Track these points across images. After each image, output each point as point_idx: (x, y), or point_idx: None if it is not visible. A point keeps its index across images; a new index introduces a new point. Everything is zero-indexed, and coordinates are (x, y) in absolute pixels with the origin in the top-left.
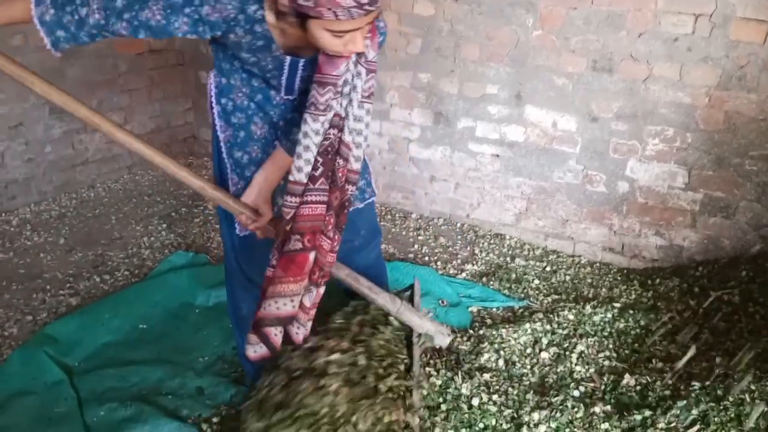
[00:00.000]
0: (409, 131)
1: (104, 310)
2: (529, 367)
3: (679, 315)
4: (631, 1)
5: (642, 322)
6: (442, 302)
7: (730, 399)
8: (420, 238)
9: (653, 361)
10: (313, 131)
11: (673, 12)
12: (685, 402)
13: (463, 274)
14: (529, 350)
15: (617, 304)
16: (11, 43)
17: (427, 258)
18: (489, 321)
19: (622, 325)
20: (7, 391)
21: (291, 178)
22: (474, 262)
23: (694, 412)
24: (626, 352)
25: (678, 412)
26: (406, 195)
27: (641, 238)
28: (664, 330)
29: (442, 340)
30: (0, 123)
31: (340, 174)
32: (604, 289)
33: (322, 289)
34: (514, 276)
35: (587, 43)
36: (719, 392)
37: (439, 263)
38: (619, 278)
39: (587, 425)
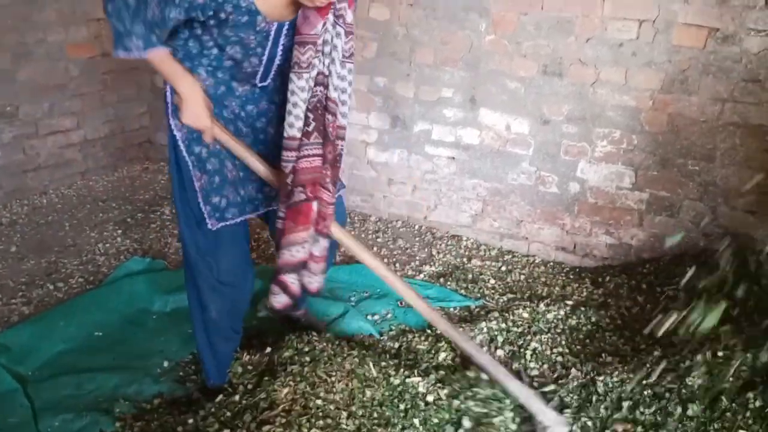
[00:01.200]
0: (367, 134)
1: (58, 318)
2: None
3: (627, 311)
4: (580, 7)
5: (593, 319)
6: (400, 303)
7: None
8: (379, 240)
9: (603, 355)
10: (299, 88)
11: (619, 18)
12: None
13: (421, 275)
14: (484, 348)
15: (569, 302)
16: None
17: (386, 260)
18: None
19: (574, 322)
20: None
21: (285, 134)
22: (432, 264)
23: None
24: (578, 347)
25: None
26: (365, 198)
27: (592, 237)
28: (613, 326)
29: (561, 430)
30: None
31: (330, 129)
32: (557, 288)
33: (326, 241)
34: (470, 276)
35: (538, 48)
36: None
37: (397, 265)
38: (571, 276)
39: None
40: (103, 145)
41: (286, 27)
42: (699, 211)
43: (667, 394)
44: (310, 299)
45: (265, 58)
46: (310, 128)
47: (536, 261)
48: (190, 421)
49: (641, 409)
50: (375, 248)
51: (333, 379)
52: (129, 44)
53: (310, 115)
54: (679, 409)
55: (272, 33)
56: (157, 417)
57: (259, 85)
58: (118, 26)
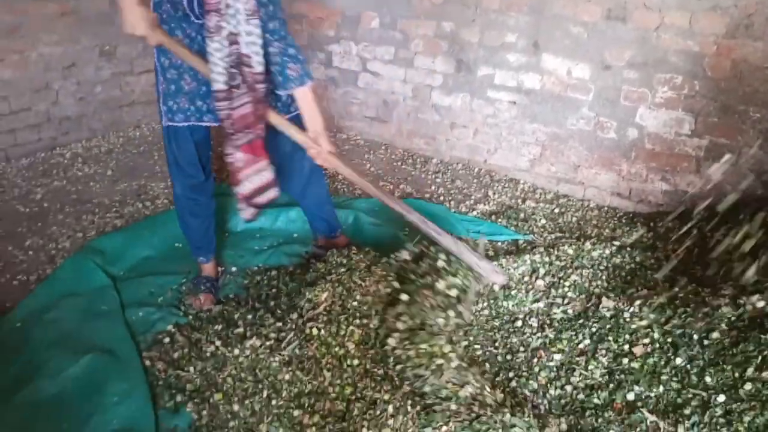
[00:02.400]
0: (432, 78)
1: (145, 229)
2: (524, 292)
3: (674, 253)
4: None
5: (638, 259)
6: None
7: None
8: (438, 180)
9: (638, 288)
10: (214, 50)
11: None
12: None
13: (474, 213)
14: (526, 278)
15: (617, 243)
16: None
17: (441, 198)
18: (492, 252)
19: (618, 261)
20: (60, 292)
21: (213, 88)
22: (486, 203)
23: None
24: (617, 283)
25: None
26: (428, 141)
27: (648, 183)
28: (657, 266)
29: (497, 277)
30: (54, 63)
31: (249, 79)
32: (607, 230)
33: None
34: (522, 216)
35: None
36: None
37: (452, 203)
38: (624, 221)
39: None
40: None
41: (203, 5)
42: (758, 159)
43: (690, 320)
44: (367, 225)
45: (193, 28)
46: (236, 81)
47: (590, 205)
48: (249, 316)
49: (659, 333)
50: (433, 187)
51: (366, 283)
52: None
53: (235, 71)
54: (697, 337)
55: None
56: (221, 312)
57: (196, 21)
58: None
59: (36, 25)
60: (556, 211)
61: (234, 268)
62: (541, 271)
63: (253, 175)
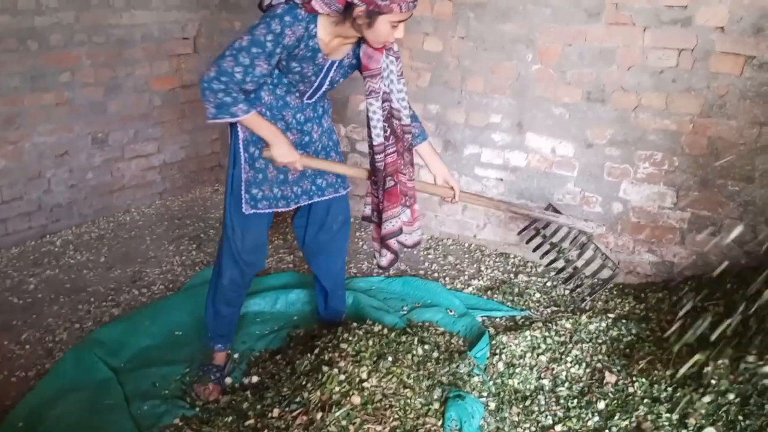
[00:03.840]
0: (420, 158)
1: (144, 318)
2: (528, 369)
3: (669, 324)
4: (621, 38)
5: (634, 331)
6: (450, 311)
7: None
8: (430, 256)
9: (639, 363)
10: (378, 108)
11: (659, 47)
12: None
13: (470, 289)
14: (528, 355)
15: (611, 315)
16: (60, 79)
17: (436, 274)
18: (492, 330)
19: (615, 333)
20: (62, 387)
21: (374, 142)
22: (480, 278)
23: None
24: (618, 356)
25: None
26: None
27: (635, 255)
28: (653, 338)
29: (593, 228)
30: (48, 151)
31: (398, 130)
32: (600, 302)
33: (415, 207)
34: (516, 290)
35: (582, 76)
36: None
37: (447, 279)
38: (614, 292)
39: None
40: (180, 168)
41: (336, 64)
42: (740, 230)
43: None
44: (367, 308)
45: (315, 84)
46: (388, 133)
47: (582, 275)
48: (258, 406)
49: (664, 410)
50: (426, 263)
51: (373, 380)
52: (235, 111)
53: (385, 124)
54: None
55: (326, 67)
56: (229, 403)
57: (306, 101)
58: (226, 99)
59: (32, 115)
60: (549, 284)
61: (236, 354)
62: (542, 347)
63: (388, 220)
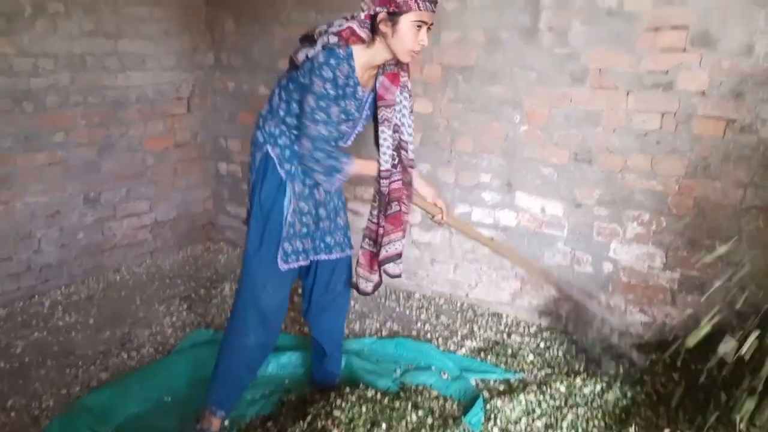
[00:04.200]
0: (411, 216)
1: (133, 383)
2: None
3: (663, 387)
4: (605, 101)
5: (629, 394)
6: (444, 374)
7: None
8: (422, 316)
9: (636, 429)
10: (389, 136)
11: (642, 110)
12: None
13: (463, 350)
14: (523, 420)
15: (606, 378)
16: (54, 139)
17: (429, 335)
18: (486, 393)
19: (610, 397)
20: None
21: (382, 167)
22: (473, 339)
23: None
24: (614, 421)
25: None
26: (409, 276)
27: (627, 316)
28: (649, 401)
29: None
30: (39, 211)
31: (405, 161)
32: (593, 364)
33: (404, 240)
34: (510, 351)
35: (569, 137)
36: None
37: (440, 339)
38: (608, 354)
39: None
40: (171, 227)
41: (370, 97)
42: (730, 291)
43: None
44: (360, 371)
45: (358, 120)
46: (396, 162)
47: (574, 337)
48: None
49: None
50: (419, 324)
51: None
52: (344, 168)
53: (394, 153)
54: None
55: (364, 100)
56: None
57: (342, 145)
58: (330, 162)
59: (25, 175)
60: (542, 345)
61: (226, 422)
62: (537, 411)
63: (389, 244)
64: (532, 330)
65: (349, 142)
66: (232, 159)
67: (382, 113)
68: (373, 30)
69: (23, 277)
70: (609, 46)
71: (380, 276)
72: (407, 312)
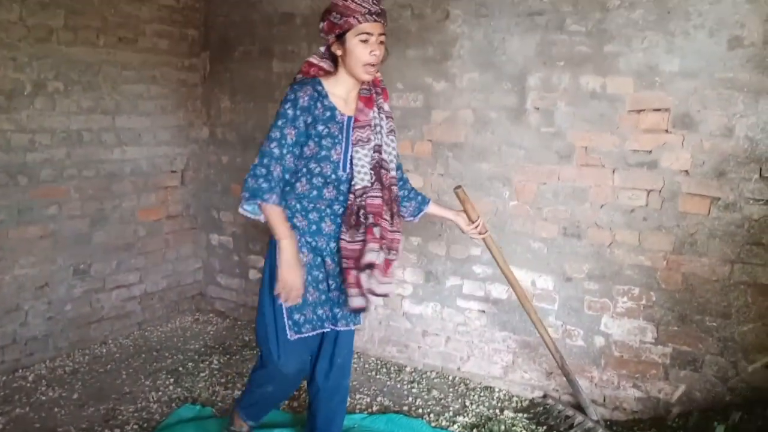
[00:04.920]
0: (402, 288)
1: None
2: None
3: None
4: (592, 178)
5: None
6: None
7: None
8: (414, 390)
9: None
10: (364, 156)
11: (628, 188)
12: None
13: (455, 426)
14: None
15: None
16: (47, 212)
17: (420, 410)
18: None
19: None
20: None
21: (356, 186)
22: (465, 414)
23: None
24: None
25: None
26: (400, 349)
27: (620, 390)
28: None
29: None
30: (27, 284)
31: (385, 180)
32: None
33: (390, 256)
34: (503, 428)
35: (557, 212)
36: None
37: (432, 415)
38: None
39: None
40: (160, 298)
41: (352, 119)
42: (721, 366)
43: None
44: None
45: (344, 143)
46: (373, 179)
47: (567, 413)
48: None
49: None
50: (410, 398)
51: None
52: (266, 201)
53: (372, 173)
54: None
55: (345, 123)
56: None
57: (341, 173)
58: (263, 185)
59: (15, 248)
60: (534, 421)
61: None
62: None
63: (372, 252)
64: (525, 404)
65: (348, 170)
66: (224, 230)
67: (356, 134)
68: (335, 59)
69: (8, 350)
70: (593, 126)
71: (363, 295)
72: (398, 386)
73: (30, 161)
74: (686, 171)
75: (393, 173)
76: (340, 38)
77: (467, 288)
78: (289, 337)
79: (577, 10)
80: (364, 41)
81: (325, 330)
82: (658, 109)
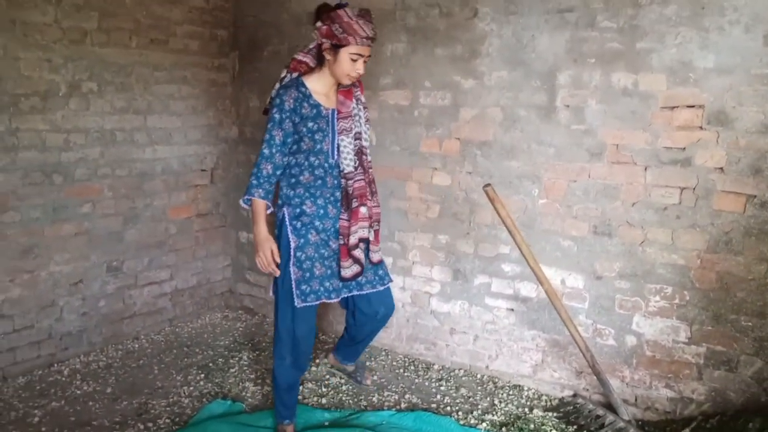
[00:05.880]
0: (430, 286)
1: None
2: None
3: None
4: (624, 175)
5: None
6: None
7: None
8: (442, 388)
9: None
10: (348, 143)
11: (661, 185)
12: None
13: (484, 425)
14: None
15: None
16: (81, 210)
17: (449, 408)
18: None
19: None
20: None
21: (344, 170)
22: (494, 413)
23: None
24: None
25: None
26: (428, 346)
27: (653, 391)
28: None
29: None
30: (62, 280)
31: (366, 164)
32: None
33: (376, 227)
34: (532, 426)
35: (587, 210)
36: None
37: (460, 413)
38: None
39: None
40: (191, 295)
41: (337, 114)
42: (758, 367)
43: None
44: None
45: (331, 135)
46: (357, 164)
47: (598, 412)
48: None
49: None
50: (438, 396)
51: None
52: (253, 195)
53: (355, 158)
54: None
55: (330, 116)
56: None
57: (331, 161)
58: (253, 181)
59: (50, 245)
60: (565, 420)
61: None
62: None
63: (357, 231)
64: (554, 403)
65: (336, 157)
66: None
67: (340, 124)
68: (320, 57)
69: (44, 345)
70: (625, 124)
71: (358, 262)
72: (426, 384)
73: (65, 160)
74: (721, 168)
75: (369, 158)
76: (335, 47)
77: (496, 286)
78: (296, 304)
79: (608, 7)
80: (354, 60)
81: (332, 300)
82: (692, 106)
